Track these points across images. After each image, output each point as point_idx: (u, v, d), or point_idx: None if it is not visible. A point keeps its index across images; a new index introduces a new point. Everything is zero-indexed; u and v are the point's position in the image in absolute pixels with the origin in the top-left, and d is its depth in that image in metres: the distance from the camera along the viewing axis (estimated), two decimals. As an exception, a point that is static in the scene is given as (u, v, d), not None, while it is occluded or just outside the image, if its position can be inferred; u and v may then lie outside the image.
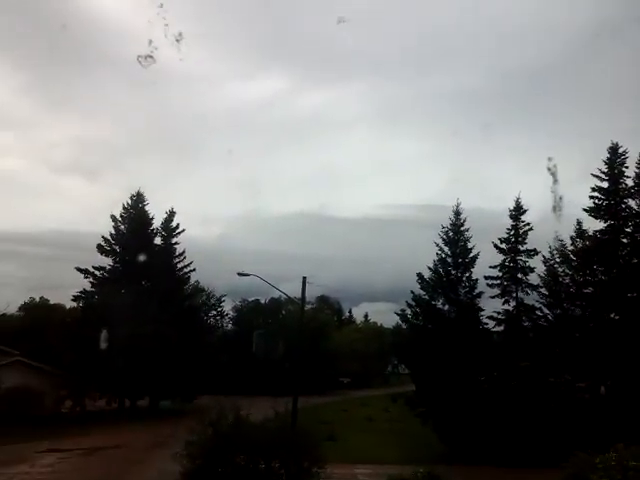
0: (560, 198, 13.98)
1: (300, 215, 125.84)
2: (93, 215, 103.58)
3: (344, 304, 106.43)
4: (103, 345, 38.84)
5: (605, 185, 29.87)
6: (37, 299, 69.13)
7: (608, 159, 29.89)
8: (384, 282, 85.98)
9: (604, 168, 29.91)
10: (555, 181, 13.96)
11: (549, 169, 14.21)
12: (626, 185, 29.77)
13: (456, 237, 30.81)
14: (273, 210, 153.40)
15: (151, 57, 11.80)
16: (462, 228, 30.85)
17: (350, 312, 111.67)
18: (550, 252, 30.92)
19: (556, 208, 13.99)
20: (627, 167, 29.79)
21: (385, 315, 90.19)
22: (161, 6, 11.59)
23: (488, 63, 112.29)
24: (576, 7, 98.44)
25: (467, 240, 30.76)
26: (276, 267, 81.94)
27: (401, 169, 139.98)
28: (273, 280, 34.56)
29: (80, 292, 44.83)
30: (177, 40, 11.50)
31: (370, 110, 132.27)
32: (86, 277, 44.79)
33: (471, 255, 30.67)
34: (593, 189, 29.88)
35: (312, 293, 62.13)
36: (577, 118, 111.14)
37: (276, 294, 58.48)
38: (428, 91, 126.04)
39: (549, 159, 14.51)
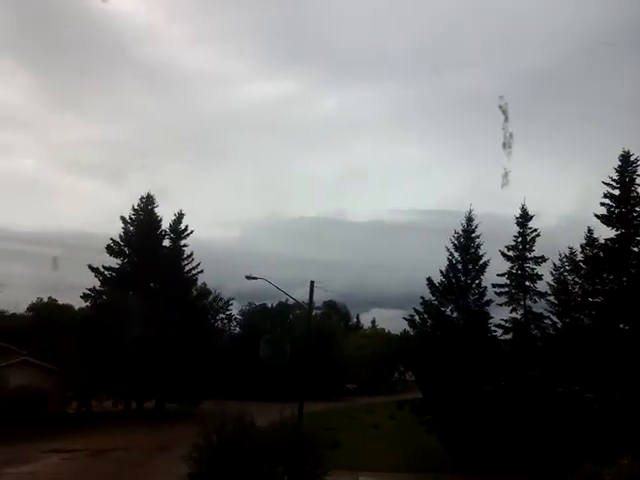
0: (510, 135, 13.70)
1: (314, 219, 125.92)
2: (104, 216, 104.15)
3: (355, 310, 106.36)
4: (110, 346, 39.05)
5: (616, 193, 29.62)
6: (45, 299, 69.61)
7: (619, 166, 29.66)
8: (395, 288, 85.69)
9: (615, 176, 29.69)
10: (506, 119, 13.74)
11: (500, 107, 13.96)
12: (637, 193, 29.52)
13: (467, 243, 30.55)
14: (287, 213, 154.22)
15: None
16: (473, 234, 30.58)
17: (358, 318, 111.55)
18: (560, 260, 30.69)
19: (506, 145, 13.73)
20: (639, 175, 29.55)
21: (394, 321, 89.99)
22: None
23: (505, 66, 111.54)
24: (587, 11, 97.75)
25: (478, 246, 30.47)
26: (288, 271, 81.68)
27: (417, 173, 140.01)
28: (285, 284, 34.57)
29: (89, 289, 44.97)
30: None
31: (385, 113, 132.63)
32: (96, 276, 45.00)
33: (481, 262, 30.42)
34: (604, 196, 29.65)
35: (322, 298, 62.21)
36: (592, 124, 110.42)
37: (286, 298, 58.32)
38: (445, 94, 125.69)
39: (500, 97, 14.24)
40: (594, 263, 29.81)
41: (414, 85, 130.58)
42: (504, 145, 13.66)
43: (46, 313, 62.57)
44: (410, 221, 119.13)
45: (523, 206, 30.52)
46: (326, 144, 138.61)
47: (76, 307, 59.92)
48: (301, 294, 38.49)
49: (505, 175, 14.34)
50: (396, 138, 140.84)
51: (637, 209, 29.50)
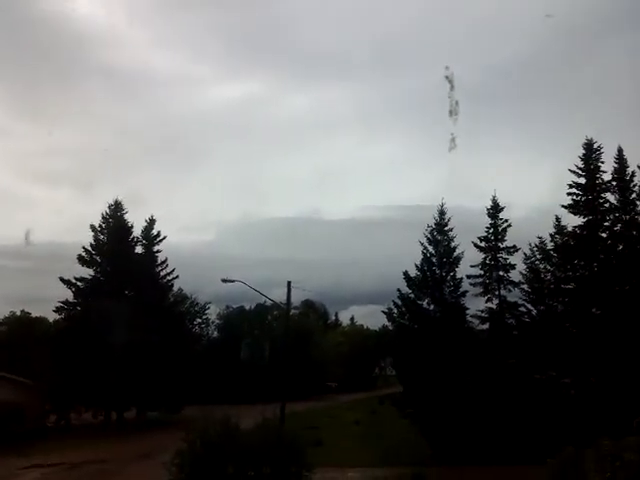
0: (456, 103, 14.26)
1: (288, 219, 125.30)
2: (75, 225, 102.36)
3: (334, 308, 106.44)
4: (87, 357, 38.52)
5: (582, 181, 30.18)
6: (18, 312, 68.25)
7: (584, 155, 30.23)
8: (373, 284, 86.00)
9: (580, 164, 30.25)
10: (452, 87, 14.27)
11: (447, 77, 14.47)
12: (603, 180, 30.11)
13: (440, 237, 30.89)
14: (261, 214, 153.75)
15: None
16: (446, 228, 30.90)
17: (336, 316, 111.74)
18: (530, 249, 31.19)
19: (452, 112, 14.29)
20: (603, 162, 30.14)
21: (372, 318, 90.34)
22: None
23: (475, 61, 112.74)
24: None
25: (451, 239, 30.83)
26: (265, 272, 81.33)
27: (389, 170, 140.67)
28: (262, 285, 34.40)
29: (62, 302, 44.23)
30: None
31: (354, 111, 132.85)
32: (69, 288, 44.28)
33: (455, 254, 30.75)
34: (570, 185, 30.19)
35: (300, 297, 62.06)
36: (562, 116, 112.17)
37: (264, 299, 58.17)
38: (414, 89, 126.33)
39: (446, 67, 14.77)
40: (564, 251, 30.38)
41: (382, 83, 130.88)
42: (450, 113, 14.19)
43: (19, 327, 61.38)
44: (385, 217, 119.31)
45: (494, 198, 31.04)
46: (298, 144, 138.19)
47: (50, 319, 58.90)
48: (279, 295, 38.39)
49: (452, 140, 14.98)
50: (367, 136, 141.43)
51: (603, 196, 30.14)
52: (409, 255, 31.76)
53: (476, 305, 30.70)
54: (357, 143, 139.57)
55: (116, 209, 46.12)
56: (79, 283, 44.61)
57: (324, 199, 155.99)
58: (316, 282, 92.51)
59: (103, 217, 45.83)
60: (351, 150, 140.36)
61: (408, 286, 30.86)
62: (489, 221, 30.83)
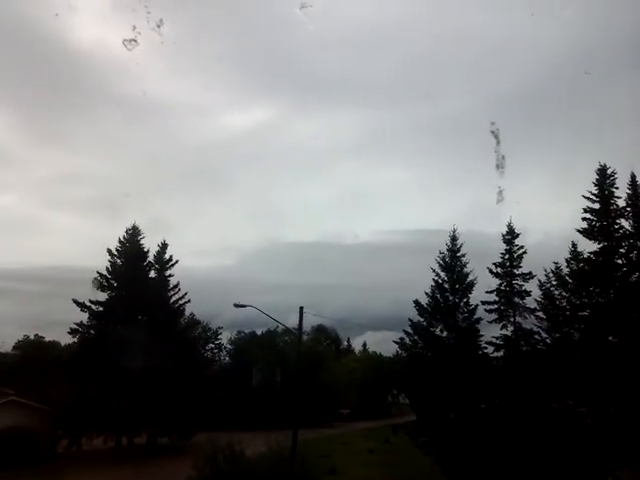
0: (503, 157, 14.49)
1: (304, 244, 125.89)
2: (91, 250, 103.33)
3: (348, 334, 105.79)
4: (99, 381, 38.44)
5: (596, 206, 30.00)
6: (32, 336, 68.61)
7: (597, 180, 30.10)
8: (387, 310, 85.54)
9: (594, 190, 30.10)
10: (498, 142, 14.57)
11: (492, 132, 14.79)
12: (617, 206, 29.91)
13: (453, 262, 30.73)
14: (275, 240, 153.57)
15: (135, 40, 12.30)
16: (459, 253, 30.77)
17: (348, 341, 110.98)
18: (546, 275, 30.93)
19: (499, 166, 14.55)
20: (617, 188, 29.98)
21: (385, 344, 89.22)
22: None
23: (490, 89, 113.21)
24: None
25: (464, 265, 30.67)
26: (280, 297, 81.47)
27: (404, 196, 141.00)
28: (276, 310, 34.25)
29: (77, 324, 44.38)
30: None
31: (369, 137, 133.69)
32: (83, 311, 44.41)
33: (468, 280, 30.57)
34: (585, 210, 30.01)
35: (312, 322, 61.69)
36: (577, 142, 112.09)
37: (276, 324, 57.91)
38: (427, 117, 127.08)
39: (492, 123, 15.11)
40: (580, 277, 30.06)
41: (396, 109, 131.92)
42: (497, 166, 14.63)
43: (33, 351, 61.63)
44: (399, 242, 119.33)
45: (509, 224, 30.90)
46: (315, 170, 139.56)
47: (63, 343, 59.14)
48: (295, 319, 38.19)
49: (500, 192, 15.47)
50: (385, 160, 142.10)
51: (617, 222, 29.90)
52: (424, 280, 31.58)
53: (491, 332, 30.44)
54: (373, 168, 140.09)
55: (133, 234, 46.52)
56: (93, 306, 44.80)
57: (340, 224, 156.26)
58: (333, 307, 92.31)
59: (120, 241, 46.24)
60: (367, 175, 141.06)
61: (419, 314, 30.65)
62: (504, 247, 30.68)
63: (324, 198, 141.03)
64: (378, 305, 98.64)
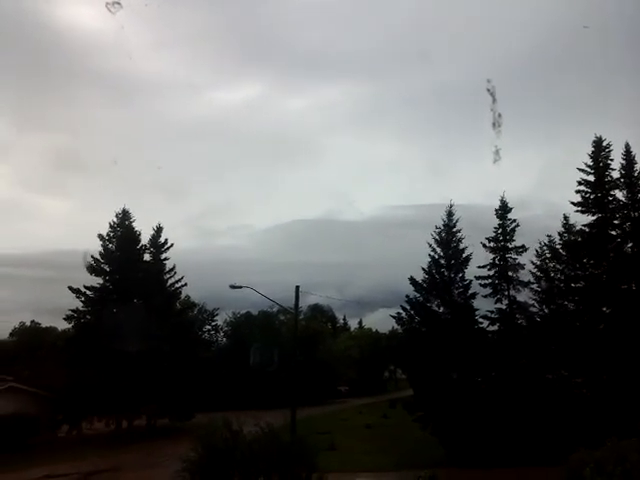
0: (499, 115, 14.36)
1: (297, 222, 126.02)
2: (83, 235, 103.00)
3: (343, 312, 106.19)
4: (97, 365, 38.56)
5: (591, 178, 29.96)
6: (28, 323, 68.71)
7: (593, 152, 30.04)
8: (382, 287, 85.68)
9: (589, 161, 30.05)
10: (494, 100, 14.41)
11: (488, 90, 14.62)
12: (612, 177, 29.89)
13: (449, 238, 30.69)
14: (271, 219, 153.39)
15: (118, 3, 12.14)
16: (454, 229, 30.70)
17: (345, 319, 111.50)
18: (540, 248, 30.96)
19: (495, 125, 14.41)
20: (612, 160, 29.94)
21: (382, 321, 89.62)
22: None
23: (485, 54, 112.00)
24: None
25: (459, 240, 30.58)
26: (278, 277, 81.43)
27: (397, 170, 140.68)
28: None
29: (72, 311, 44.33)
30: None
31: (360, 112, 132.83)
32: (78, 297, 44.34)
33: (464, 255, 30.55)
34: (579, 183, 29.99)
35: (308, 302, 61.50)
36: (572, 113, 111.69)
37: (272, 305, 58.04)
38: (422, 89, 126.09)
39: (488, 80, 14.94)
40: (573, 249, 30.15)
41: (391, 81, 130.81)
42: (493, 125, 14.37)
43: (30, 337, 61.75)
44: (398, 218, 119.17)
45: (502, 198, 30.78)
46: (312, 147, 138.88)
47: (60, 329, 59.18)
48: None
49: (496, 152, 15.15)
50: (382, 135, 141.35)
51: (612, 193, 29.90)
52: (420, 256, 31.48)
53: (486, 306, 30.51)
54: (370, 144, 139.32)
55: (124, 218, 46.23)
56: (88, 292, 44.72)
57: (337, 201, 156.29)
58: (327, 286, 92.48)
59: (111, 226, 45.99)
60: (363, 151, 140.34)
61: (415, 290, 30.68)
62: (498, 221, 30.64)
63: (316, 177, 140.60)
64: (375, 283, 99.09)
